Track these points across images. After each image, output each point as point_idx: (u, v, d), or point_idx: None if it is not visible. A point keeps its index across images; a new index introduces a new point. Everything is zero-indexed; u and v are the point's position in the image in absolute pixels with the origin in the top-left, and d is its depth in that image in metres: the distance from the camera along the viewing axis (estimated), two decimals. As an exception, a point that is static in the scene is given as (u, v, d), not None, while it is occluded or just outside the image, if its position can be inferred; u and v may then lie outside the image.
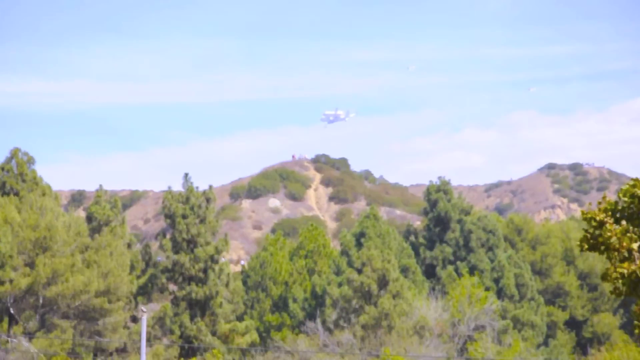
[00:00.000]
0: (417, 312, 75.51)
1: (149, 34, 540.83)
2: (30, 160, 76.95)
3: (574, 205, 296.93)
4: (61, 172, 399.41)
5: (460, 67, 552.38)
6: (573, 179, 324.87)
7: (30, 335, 65.47)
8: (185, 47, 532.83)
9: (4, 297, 64.20)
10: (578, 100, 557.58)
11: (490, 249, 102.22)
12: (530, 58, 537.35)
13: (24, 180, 75.78)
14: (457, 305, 79.09)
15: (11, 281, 63.62)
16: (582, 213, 26.33)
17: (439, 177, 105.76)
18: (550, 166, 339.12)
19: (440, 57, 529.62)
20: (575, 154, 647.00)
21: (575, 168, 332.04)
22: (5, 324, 65.93)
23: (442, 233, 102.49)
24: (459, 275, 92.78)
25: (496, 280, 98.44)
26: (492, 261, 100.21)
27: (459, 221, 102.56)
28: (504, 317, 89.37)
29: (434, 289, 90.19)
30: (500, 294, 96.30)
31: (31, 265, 66.65)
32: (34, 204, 71.06)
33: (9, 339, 64.33)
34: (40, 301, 66.29)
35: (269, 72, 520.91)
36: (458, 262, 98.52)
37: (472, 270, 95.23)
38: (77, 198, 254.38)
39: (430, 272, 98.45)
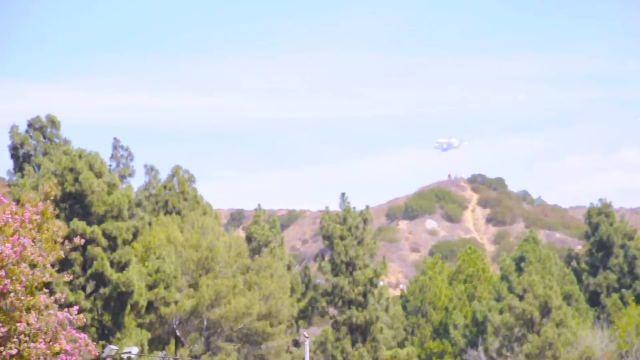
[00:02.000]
0: (582, 342, 73.33)
1: (300, 49, 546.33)
2: (191, 179, 77.85)
3: None
4: (220, 190, 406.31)
5: (618, 81, 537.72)
6: None
7: (197, 358, 66.09)
8: (334, 61, 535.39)
9: (170, 318, 65.01)
10: None
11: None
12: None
13: (185, 199, 76.69)
14: (624, 336, 76.49)
15: (176, 302, 64.45)
16: None
17: (600, 199, 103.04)
18: None
19: (596, 71, 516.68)
20: None
21: None
22: (172, 346, 66.82)
23: (605, 258, 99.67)
24: (625, 303, 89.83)
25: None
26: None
27: (623, 246, 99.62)
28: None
29: (598, 317, 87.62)
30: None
31: (194, 286, 67.39)
32: (195, 224, 71.80)
33: (178, 362, 65.13)
34: (205, 323, 66.88)
35: (418, 87, 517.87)
36: (623, 290, 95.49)
37: (638, 298, 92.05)
38: (236, 217, 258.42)
39: (594, 300, 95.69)
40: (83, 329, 32.19)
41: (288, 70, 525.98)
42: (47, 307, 28.26)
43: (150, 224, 68.17)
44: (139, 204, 72.72)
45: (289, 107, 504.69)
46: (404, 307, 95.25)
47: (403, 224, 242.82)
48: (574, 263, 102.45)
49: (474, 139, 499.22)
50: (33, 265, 28.50)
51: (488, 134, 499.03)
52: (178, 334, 67.40)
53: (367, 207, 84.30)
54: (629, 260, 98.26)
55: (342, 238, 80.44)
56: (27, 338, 27.66)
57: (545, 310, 75.48)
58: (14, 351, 27.20)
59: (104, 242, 60.59)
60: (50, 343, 27.96)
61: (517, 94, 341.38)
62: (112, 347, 44.18)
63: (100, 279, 59.79)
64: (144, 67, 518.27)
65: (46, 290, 28.88)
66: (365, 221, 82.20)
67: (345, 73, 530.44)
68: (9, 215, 28.35)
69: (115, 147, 72.97)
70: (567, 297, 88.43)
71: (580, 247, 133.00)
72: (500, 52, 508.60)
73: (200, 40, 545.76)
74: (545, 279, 78.74)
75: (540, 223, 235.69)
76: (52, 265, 29.61)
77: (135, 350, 45.83)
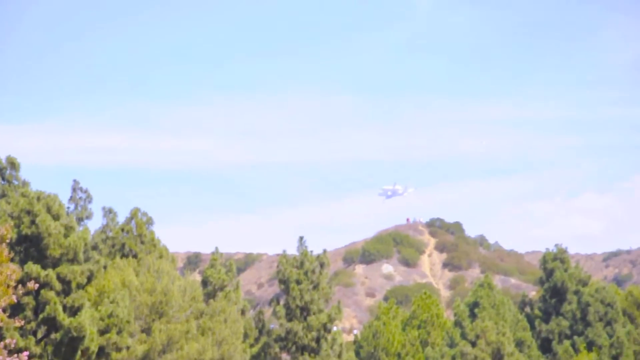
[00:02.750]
0: (532, 389, 73.90)
1: (269, 92, 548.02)
2: (149, 221, 77.67)
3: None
4: (178, 233, 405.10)
5: (579, 128, 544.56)
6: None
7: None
8: (303, 104, 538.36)
9: (121, 364, 64.78)
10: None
11: (608, 323, 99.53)
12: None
13: (142, 242, 76.51)
14: (574, 383, 77.16)
15: (128, 348, 64.14)
16: None
17: (556, 245, 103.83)
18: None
19: (559, 117, 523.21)
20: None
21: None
22: (122, 393, 66.43)
23: (559, 305, 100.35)
24: (576, 350, 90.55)
25: (615, 358, 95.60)
26: (610, 336, 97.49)
27: (576, 292, 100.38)
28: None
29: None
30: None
31: (147, 331, 67.20)
32: (151, 267, 71.68)
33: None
34: (157, 369, 66.72)
35: (384, 130, 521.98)
36: (575, 337, 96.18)
37: (590, 345, 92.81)
38: (192, 261, 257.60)
39: (546, 347, 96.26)
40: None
41: (249, 114, 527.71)
42: (-4, 353, 28.33)
43: (105, 267, 68.03)
44: (95, 247, 72.56)
45: (247, 151, 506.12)
46: (357, 353, 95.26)
47: (360, 268, 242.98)
48: (527, 309, 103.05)
49: (437, 183, 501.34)
50: (-17, 311, 28.61)
51: (451, 178, 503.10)
52: (129, 380, 67.12)
53: (325, 251, 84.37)
54: (582, 306, 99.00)
55: (298, 282, 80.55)
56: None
57: (498, 357, 75.97)
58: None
59: (58, 286, 60.32)
60: (-1, 390, 28.02)
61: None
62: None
63: (52, 324, 59.40)
64: (105, 110, 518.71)
65: (-5, 337, 28.94)
66: (322, 265, 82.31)
67: (307, 117, 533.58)
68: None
69: (74, 189, 72.89)
70: (519, 344, 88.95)
71: (534, 293, 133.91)
72: (467, 98, 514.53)
73: (163, 83, 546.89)
74: (498, 325, 79.30)
75: (496, 268, 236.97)
76: (4, 310, 29.71)
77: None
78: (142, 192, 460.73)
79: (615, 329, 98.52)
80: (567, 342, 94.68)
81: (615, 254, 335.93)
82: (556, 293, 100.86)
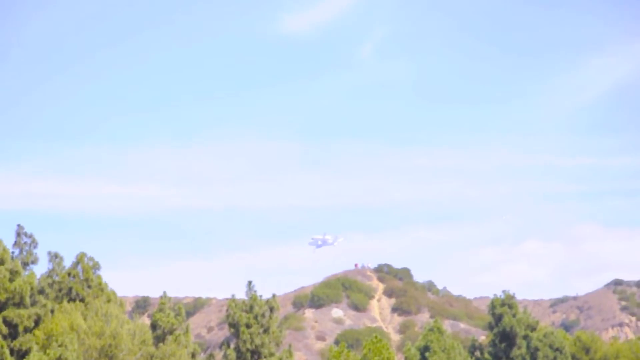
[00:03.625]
0: None
1: (214, 137, 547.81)
2: (96, 266, 77.09)
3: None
4: (125, 278, 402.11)
5: (524, 175, 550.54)
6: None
7: None
8: (250, 149, 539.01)
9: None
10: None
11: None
12: (597, 168, 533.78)
13: (89, 286, 75.84)
14: None
15: (77, 392, 63.30)
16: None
17: (504, 291, 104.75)
18: (617, 282, 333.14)
19: (505, 164, 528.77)
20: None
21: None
22: None
23: (508, 349, 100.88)
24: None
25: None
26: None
27: (525, 337, 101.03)
28: None
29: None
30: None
31: (96, 374, 66.45)
32: (99, 311, 70.96)
33: None
34: (105, 413, 65.80)
35: (332, 176, 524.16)
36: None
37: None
38: (141, 304, 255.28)
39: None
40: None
41: (198, 161, 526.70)
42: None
43: (52, 311, 67.14)
44: (41, 291, 71.62)
45: (196, 196, 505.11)
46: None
47: (309, 313, 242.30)
48: (477, 353, 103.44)
49: (382, 230, 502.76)
50: None
51: (397, 224, 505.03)
52: None
53: (274, 295, 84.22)
54: (531, 351, 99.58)
55: (248, 326, 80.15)
56: None
57: (449, 401, 75.92)
58: None
59: (5, 329, 59.49)
60: None
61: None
62: None
63: (-1, 367, 58.44)
64: (51, 154, 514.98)
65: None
66: (271, 309, 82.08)
67: (258, 163, 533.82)
68: None
69: (18, 234, 71.94)
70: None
71: (484, 338, 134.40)
72: (409, 145, 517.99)
73: (113, 129, 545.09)
74: (449, 369, 79.29)
75: (445, 313, 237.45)
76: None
77: None
78: (88, 237, 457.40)
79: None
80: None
81: (562, 300, 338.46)
82: (505, 338, 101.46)
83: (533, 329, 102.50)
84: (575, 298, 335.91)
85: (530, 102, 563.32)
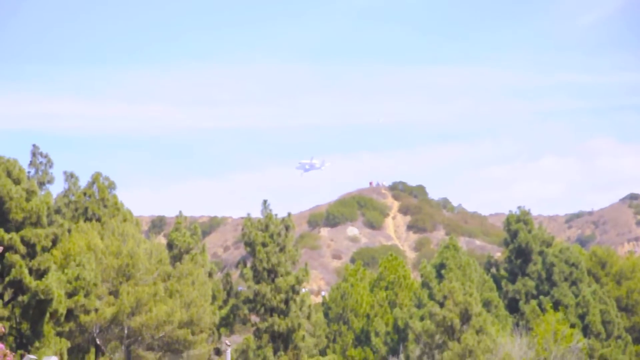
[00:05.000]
0: (501, 349, 73.99)
1: (226, 58, 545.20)
2: (112, 185, 76.94)
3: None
4: (141, 197, 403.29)
5: (538, 93, 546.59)
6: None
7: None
8: (263, 71, 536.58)
9: (90, 326, 64.08)
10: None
11: (573, 283, 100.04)
12: (610, 84, 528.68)
13: (105, 206, 75.78)
14: (542, 343, 77.35)
15: (96, 310, 63.58)
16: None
17: (519, 207, 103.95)
18: (633, 196, 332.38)
19: (518, 83, 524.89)
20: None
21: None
22: (92, 355, 65.86)
23: (524, 265, 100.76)
24: (543, 310, 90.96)
25: (581, 317, 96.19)
26: (576, 296, 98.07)
27: (541, 253, 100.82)
28: (591, 356, 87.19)
29: (517, 324, 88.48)
30: (585, 331, 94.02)
31: (115, 293, 66.66)
32: (115, 230, 71.06)
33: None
34: (125, 331, 66.11)
35: (345, 97, 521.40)
36: (541, 297, 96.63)
37: (556, 305, 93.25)
38: (157, 224, 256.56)
39: (513, 307, 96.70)
40: (1, 338, 31.63)
41: (212, 81, 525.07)
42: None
43: (69, 231, 67.25)
44: (58, 211, 71.69)
45: (212, 116, 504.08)
46: (326, 315, 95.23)
47: (325, 231, 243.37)
48: (493, 270, 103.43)
49: (398, 148, 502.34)
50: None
51: (411, 142, 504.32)
52: (98, 342, 66.53)
53: (289, 214, 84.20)
54: (547, 267, 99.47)
55: (264, 245, 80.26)
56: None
57: (466, 317, 76.02)
58: None
59: (23, 249, 59.53)
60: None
61: (379, 118, 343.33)
62: (31, 356, 43.55)
63: (18, 287, 58.67)
64: (67, 75, 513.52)
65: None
66: (287, 228, 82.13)
67: (269, 83, 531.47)
68: None
69: (34, 154, 71.79)
70: (486, 304, 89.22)
71: (499, 254, 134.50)
72: (426, 64, 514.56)
73: (126, 49, 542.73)
74: (465, 285, 79.34)
75: (461, 230, 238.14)
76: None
77: (54, 359, 45.13)
78: (103, 157, 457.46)
79: (581, 288, 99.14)
80: (533, 302, 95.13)
81: (578, 216, 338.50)
82: (521, 254, 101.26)
83: (548, 245, 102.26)
84: (590, 213, 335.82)
85: (543, 19, 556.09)
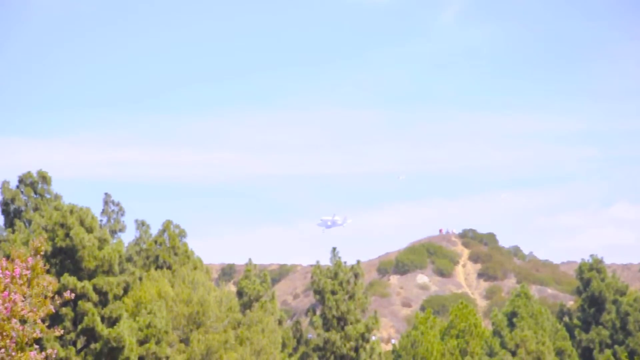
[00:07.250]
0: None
1: (295, 105, 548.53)
2: (182, 233, 77.57)
3: None
4: (211, 245, 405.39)
5: (610, 138, 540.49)
6: None
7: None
8: (332, 116, 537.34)
9: (160, 374, 64.45)
10: None
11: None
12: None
13: (176, 254, 76.38)
14: (617, 392, 75.98)
15: (167, 358, 63.88)
16: None
17: (591, 255, 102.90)
18: None
19: (590, 129, 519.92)
20: None
21: None
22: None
23: (597, 314, 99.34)
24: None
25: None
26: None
27: (615, 302, 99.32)
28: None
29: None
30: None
31: (185, 341, 66.97)
32: (186, 278, 71.53)
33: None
34: (195, 379, 66.36)
35: (415, 142, 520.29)
36: (616, 346, 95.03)
37: (631, 355, 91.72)
38: (227, 272, 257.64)
39: (587, 356, 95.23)
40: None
41: (280, 128, 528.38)
42: (38, 363, 28.02)
43: (140, 278, 67.85)
44: (129, 259, 72.46)
45: (282, 163, 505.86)
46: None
47: (394, 279, 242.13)
48: (566, 318, 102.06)
49: (469, 195, 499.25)
50: (23, 321, 28.32)
51: (482, 189, 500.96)
52: (168, 390, 66.76)
53: (358, 261, 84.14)
54: (621, 316, 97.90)
55: (333, 293, 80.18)
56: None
57: (538, 366, 75.07)
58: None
59: (95, 297, 60.23)
60: (41, 400, 27.68)
61: (399, 175, 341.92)
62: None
63: (91, 334, 59.31)
64: (137, 123, 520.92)
65: (36, 346, 28.66)
66: (356, 276, 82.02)
67: (338, 129, 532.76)
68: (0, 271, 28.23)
69: (106, 203, 72.82)
70: (559, 353, 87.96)
71: (572, 303, 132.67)
72: (498, 111, 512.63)
73: (196, 97, 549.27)
74: (537, 334, 78.43)
75: (532, 278, 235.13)
76: (43, 321, 29.42)
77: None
78: (173, 205, 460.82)
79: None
80: (608, 352, 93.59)
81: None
82: (594, 303, 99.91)
83: (622, 294, 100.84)
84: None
85: (617, 65, 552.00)
